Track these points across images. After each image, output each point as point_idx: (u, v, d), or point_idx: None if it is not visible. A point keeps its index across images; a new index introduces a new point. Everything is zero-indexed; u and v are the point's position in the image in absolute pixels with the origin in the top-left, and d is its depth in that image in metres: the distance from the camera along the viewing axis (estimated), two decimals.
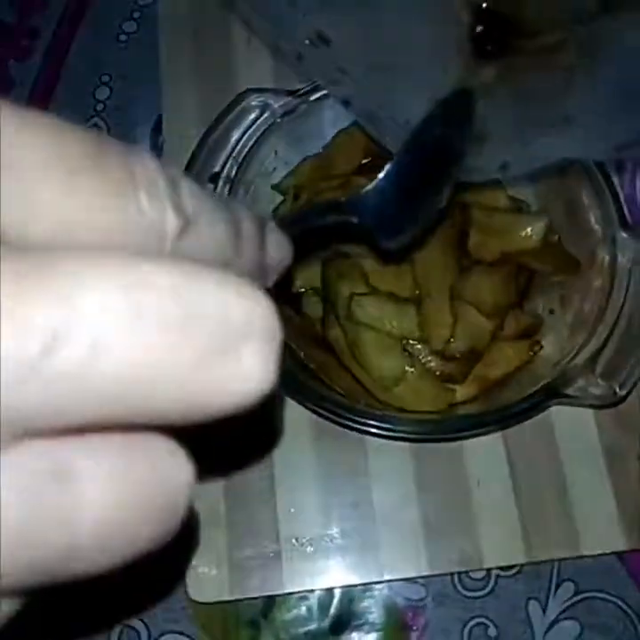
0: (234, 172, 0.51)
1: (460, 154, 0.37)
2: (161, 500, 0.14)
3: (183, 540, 0.49)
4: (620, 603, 0.49)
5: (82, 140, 0.14)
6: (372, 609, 0.49)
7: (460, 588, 0.50)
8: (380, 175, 0.34)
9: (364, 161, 0.54)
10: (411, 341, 0.48)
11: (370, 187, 0.33)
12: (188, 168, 0.50)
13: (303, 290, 0.51)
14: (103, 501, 0.13)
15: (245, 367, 0.14)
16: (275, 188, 0.54)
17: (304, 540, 0.50)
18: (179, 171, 0.16)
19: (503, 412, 0.46)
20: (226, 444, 0.37)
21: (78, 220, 0.14)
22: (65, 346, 0.12)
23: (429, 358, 0.48)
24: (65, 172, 0.14)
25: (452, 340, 0.48)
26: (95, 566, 0.14)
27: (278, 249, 0.20)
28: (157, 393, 0.13)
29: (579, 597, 0.49)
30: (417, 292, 0.49)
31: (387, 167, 0.34)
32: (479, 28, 0.43)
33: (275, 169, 0.54)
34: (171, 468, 0.14)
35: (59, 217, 0.14)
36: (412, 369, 0.48)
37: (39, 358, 0.12)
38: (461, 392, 0.49)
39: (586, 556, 0.49)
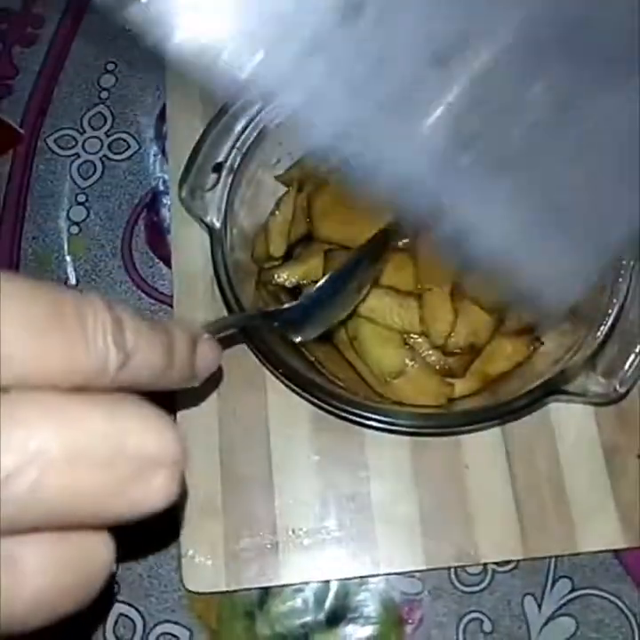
0: (237, 162, 0.50)
1: (371, 279, 0.46)
2: (84, 577, 0.20)
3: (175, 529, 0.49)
4: (616, 600, 0.49)
5: (45, 303, 0.18)
6: (368, 602, 0.49)
7: (456, 582, 0.50)
8: (302, 297, 0.43)
9: None
10: (412, 335, 0.48)
11: (293, 303, 0.42)
12: (192, 158, 0.50)
13: (304, 282, 0.51)
14: (40, 582, 0.19)
15: (154, 488, 0.19)
16: (278, 179, 0.54)
17: (301, 532, 0.50)
18: (124, 308, 0.20)
19: (503, 408, 0.46)
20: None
21: (40, 365, 0.18)
22: (15, 480, 0.17)
23: (430, 352, 0.48)
24: (34, 333, 0.18)
25: (452, 335, 0.48)
26: (27, 626, 0.19)
27: (208, 355, 0.25)
28: (83, 510, 0.18)
29: (575, 594, 0.49)
30: (418, 286, 0.49)
31: (310, 291, 0.43)
32: None
33: (279, 160, 0.54)
34: (95, 553, 0.20)
35: (24, 366, 0.18)
36: (413, 362, 0.48)
37: None
38: (461, 387, 0.49)
39: (582, 553, 0.49)
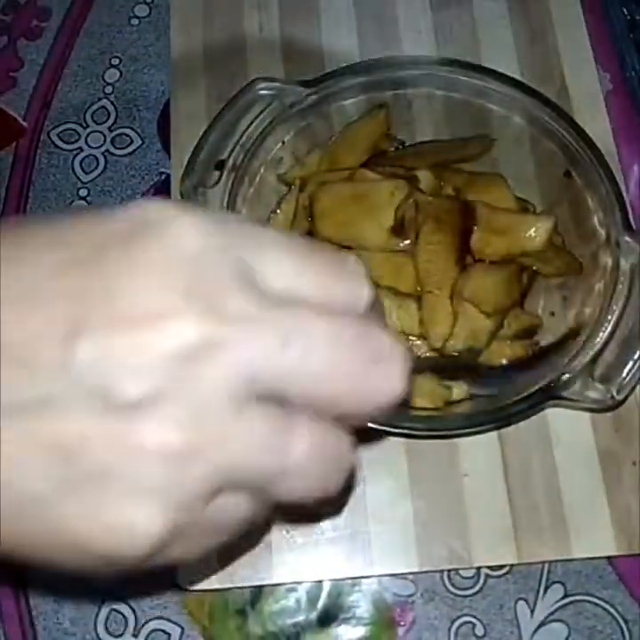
0: (240, 160, 0.50)
1: None
2: (337, 467, 0.24)
3: None
4: (608, 607, 0.49)
5: (321, 261, 0.24)
6: (361, 603, 0.49)
7: (449, 585, 0.50)
8: None
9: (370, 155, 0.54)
10: (410, 337, 0.48)
11: None
12: (195, 154, 0.50)
13: None
14: (304, 453, 0.22)
15: (391, 375, 0.23)
16: (281, 178, 0.54)
17: (294, 532, 0.50)
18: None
19: (500, 412, 0.46)
20: None
21: (321, 287, 0.23)
22: (292, 348, 0.21)
23: (428, 355, 0.48)
24: (315, 273, 0.23)
25: (450, 338, 0.48)
26: (293, 492, 0.23)
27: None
28: (338, 388, 0.23)
29: (568, 600, 0.49)
30: (417, 288, 0.49)
31: None
32: None
33: (282, 159, 0.54)
34: (346, 450, 0.24)
35: (314, 285, 0.23)
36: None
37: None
38: (458, 390, 0.49)
39: (576, 559, 0.49)
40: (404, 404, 0.47)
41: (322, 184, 0.51)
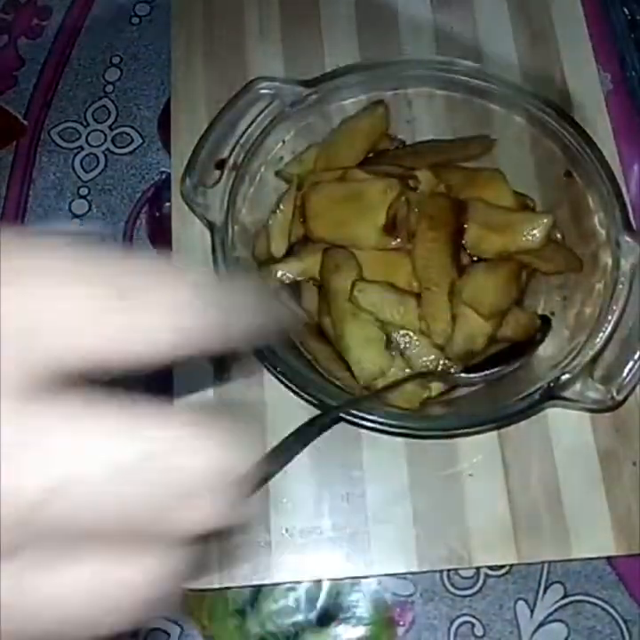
0: (240, 159, 0.50)
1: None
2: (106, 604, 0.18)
3: None
4: (607, 607, 0.49)
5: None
6: (360, 603, 0.49)
7: (448, 585, 0.50)
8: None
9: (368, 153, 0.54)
10: (402, 334, 0.48)
11: None
12: (195, 154, 0.50)
13: (301, 279, 0.51)
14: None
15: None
16: (278, 174, 0.54)
17: (295, 532, 0.50)
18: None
19: (500, 412, 0.46)
20: None
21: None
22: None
23: (425, 351, 0.48)
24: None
25: (449, 341, 0.48)
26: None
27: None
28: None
29: (567, 600, 0.49)
30: (414, 284, 0.49)
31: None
32: None
33: (282, 158, 0.54)
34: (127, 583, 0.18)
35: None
36: (393, 367, 0.48)
37: None
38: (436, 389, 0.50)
39: (576, 560, 0.49)
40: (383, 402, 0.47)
41: (314, 184, 0.51)
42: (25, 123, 0.63)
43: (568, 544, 0.49)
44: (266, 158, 0.53)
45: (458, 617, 0.49)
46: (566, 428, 0.51)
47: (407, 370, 0.48)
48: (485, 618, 0.49)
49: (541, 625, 0.49)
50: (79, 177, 0.62)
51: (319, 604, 0.49)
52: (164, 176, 0.61)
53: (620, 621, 0.49)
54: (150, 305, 0.17)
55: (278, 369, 0.46)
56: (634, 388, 0.46)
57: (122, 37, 0.66)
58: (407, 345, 0.48)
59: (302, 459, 0.51)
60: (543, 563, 0.50)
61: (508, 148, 0.54)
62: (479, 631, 0.49)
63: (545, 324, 0.50)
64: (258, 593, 0.50)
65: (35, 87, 0.65)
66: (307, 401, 0.48)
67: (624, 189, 0.50)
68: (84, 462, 0.16)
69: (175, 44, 0.63)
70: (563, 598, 0.49)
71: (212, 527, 0.19)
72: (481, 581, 0.49)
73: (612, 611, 0.49)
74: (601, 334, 0.45)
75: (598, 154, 0.49)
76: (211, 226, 0.49)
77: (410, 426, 0.46)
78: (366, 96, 0.54)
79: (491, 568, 0.50)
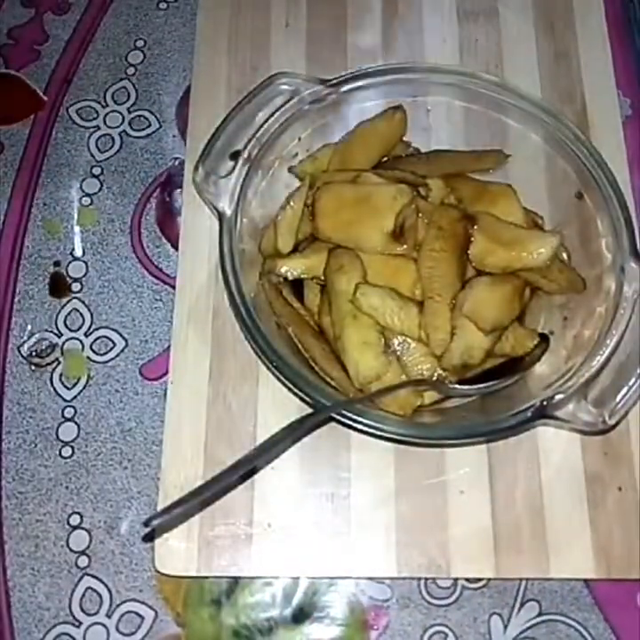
0: (255, 152, 0.51)
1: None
2: None
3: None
4: (581, 629, 0.49)
5: None
6: (336, 603, 0.50)
7: (425, 593, 0.50)
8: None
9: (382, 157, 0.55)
10: (408, 340, 0.48)
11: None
12: (211, 143, 0.50)
13: (306, 276, 0.51)
14: None
15: None
16: (291, 170, 0.54)
17: (277, 527, 0.50)
18: None
19: (490, 426, 0.46)
20: None
21: None
22: None
23: (422, 359, 0.48)
24: None
25: (446, 352, 0.48)
26: None
27: None
28: None
29: (542, 619, 0.49)
30: (416, 292, 0.49)
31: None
32: None
33: (296, 155, 0.54)
34: None
35: None
36: (389, 372, 0.48)
37: None
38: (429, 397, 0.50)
39: (554, 579, 0.49)
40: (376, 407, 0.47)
41: (326, 184, 0.51)
42: (44, 97, 0.64)
43: (547, 563, 0.49)
44: (280, 153, 0.53)
45: (432, 626, 0.49)
46: (555, 448, 0.51)
47: (402, 376, 0.49)
48: (459, 629, 0.49)
49: None
50: (93, 156, 0.62)
51: (295, 601, 0.50)
52: (177, 162, 0.61)
53: None
54: None
55: (274, 363, 0.46)
56: (626, 413, 0.46)
57: (147, 21, 0.66)
58: (404, 351, 0.48)
59: (291, 456, 0.51)
60: (521, 579, 0.50)
61: (521, 164, 0.54)
62: None
63: (543, 342, 0.50)
64: (235, 585, 0.50)
65: (57, 63, 0.65)
66: (300, 398, 0.48)
67: (634, 216, 0.50)
68: None
69: (200, 32, 0.63)
70: (537, 616, 0.49)
71: None
72: (457, 592, 0.50)
73: (585, 633, 0.49)
74: (598, 357, 0.45)
75: (611, 178, 0.49)
76: (220, 215, 0.49)
77: (400, 432, 0.46)
78: (385, 100, 0.54)
79: (468, 580, 0.50)
